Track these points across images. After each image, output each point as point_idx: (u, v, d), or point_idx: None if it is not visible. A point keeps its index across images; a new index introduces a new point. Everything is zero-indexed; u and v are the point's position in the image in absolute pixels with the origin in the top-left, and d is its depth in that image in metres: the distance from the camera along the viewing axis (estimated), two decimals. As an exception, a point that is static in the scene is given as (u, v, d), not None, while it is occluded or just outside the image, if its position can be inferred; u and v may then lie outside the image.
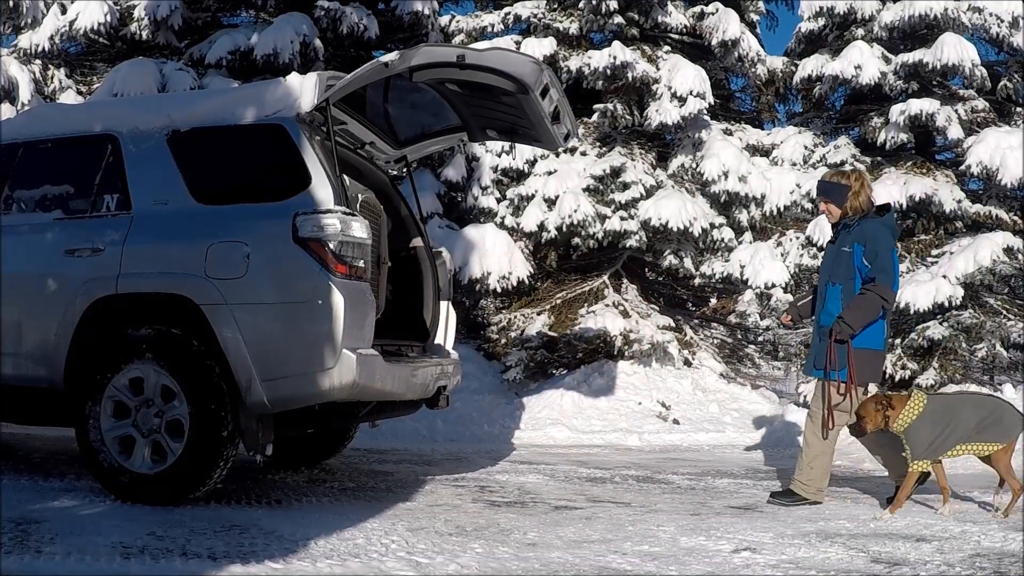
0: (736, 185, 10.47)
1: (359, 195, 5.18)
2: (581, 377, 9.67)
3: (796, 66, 11.48)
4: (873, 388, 5.16)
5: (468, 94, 5.32)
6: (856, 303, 4.85)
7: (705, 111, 10.49)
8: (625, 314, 10.15)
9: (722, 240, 10.50)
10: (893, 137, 10.58)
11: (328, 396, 4.28)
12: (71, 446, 4.80)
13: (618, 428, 8.69)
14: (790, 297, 10.53)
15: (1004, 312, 10.35)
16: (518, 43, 10.50)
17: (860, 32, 11.07)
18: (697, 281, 11.08)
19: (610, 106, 10.47)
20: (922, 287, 9.73)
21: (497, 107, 5.41)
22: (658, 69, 10.42)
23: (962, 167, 10.35)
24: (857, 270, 4.93)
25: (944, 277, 9.71)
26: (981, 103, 10.70)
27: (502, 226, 10.20)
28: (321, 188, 4.39)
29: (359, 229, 4.41)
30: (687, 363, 10.41)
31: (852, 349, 4.84)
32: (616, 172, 10.37)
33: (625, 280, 11.04)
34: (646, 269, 11.61)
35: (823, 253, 5.32)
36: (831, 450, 5.04)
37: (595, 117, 10.64)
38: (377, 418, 5.59)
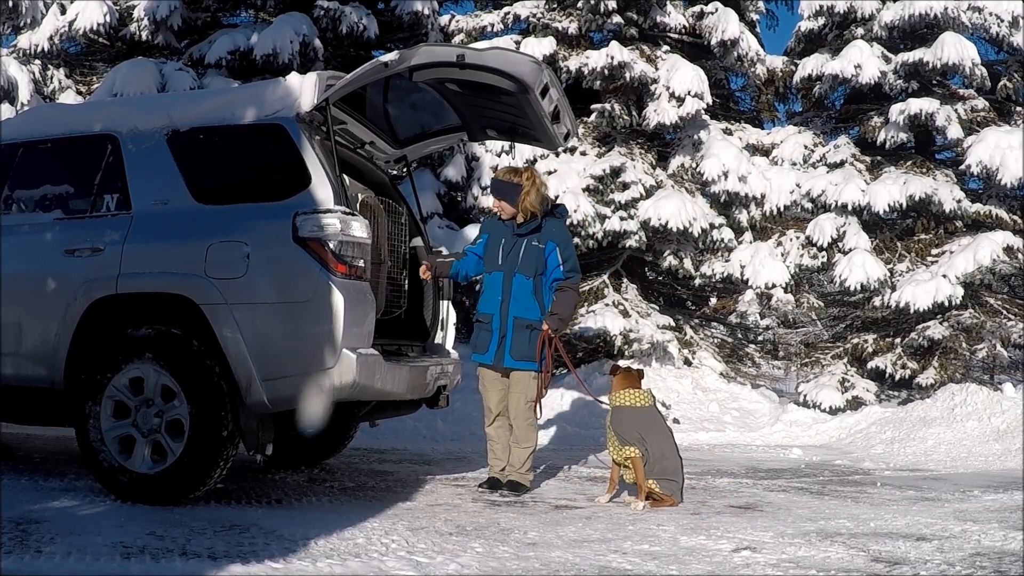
0: (736, 185, 10.47)
1: (359, 195, 5.18)
2: (581, 376, 9.65)
3: (796, 65, 11.49)
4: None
5: (468, 94, 5.32)
6: (564, 301, 5.14)
7: (703, 111, 10.49)
8: (625, 313, 10.15)
9: (722, 240, 10.49)
10: (893, 136, 10.59)
11: (328, 396, 4.27)
12: (71, 446, 4.80)
13: (618, 428, 8.67)
14: (790, 297, 10.53)
15: (1004, 312, 10.36)
16: (518, 43, 10.50)
17: (860, 31, 11.08)
18: (697, 281, 11.08)
19: (608, 106, 10.47)
20: (922, 287, 9.74)
21: (497, 107, 5.41)
22: (656, 69, 10.42)
23: (962, 166, 10.37)
24: (548, 267, 5.13)
25: (944, 277, 9.73)
26: (981, 102, 10.72)
27: (502, 226, 10.19)
28: (321, 188, 4.39)
29: (359, 229, 4.40)
30: (687, 362, 10.41)
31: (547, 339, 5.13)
32: (616, 172, 10.37)
33: (625, 280, 11.04)
34: (646, 269, 11.61)
35: (502, 243, 5.18)
36: (537, 436, 5.33)
37: (593, 117, 10.64)
38: (377, 418, 5.59)
